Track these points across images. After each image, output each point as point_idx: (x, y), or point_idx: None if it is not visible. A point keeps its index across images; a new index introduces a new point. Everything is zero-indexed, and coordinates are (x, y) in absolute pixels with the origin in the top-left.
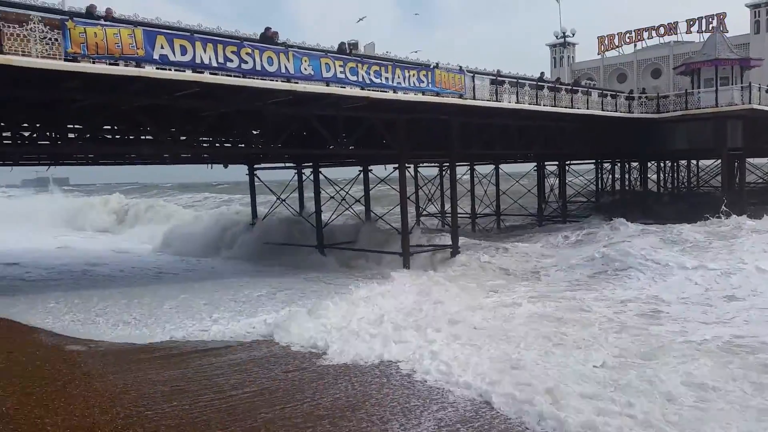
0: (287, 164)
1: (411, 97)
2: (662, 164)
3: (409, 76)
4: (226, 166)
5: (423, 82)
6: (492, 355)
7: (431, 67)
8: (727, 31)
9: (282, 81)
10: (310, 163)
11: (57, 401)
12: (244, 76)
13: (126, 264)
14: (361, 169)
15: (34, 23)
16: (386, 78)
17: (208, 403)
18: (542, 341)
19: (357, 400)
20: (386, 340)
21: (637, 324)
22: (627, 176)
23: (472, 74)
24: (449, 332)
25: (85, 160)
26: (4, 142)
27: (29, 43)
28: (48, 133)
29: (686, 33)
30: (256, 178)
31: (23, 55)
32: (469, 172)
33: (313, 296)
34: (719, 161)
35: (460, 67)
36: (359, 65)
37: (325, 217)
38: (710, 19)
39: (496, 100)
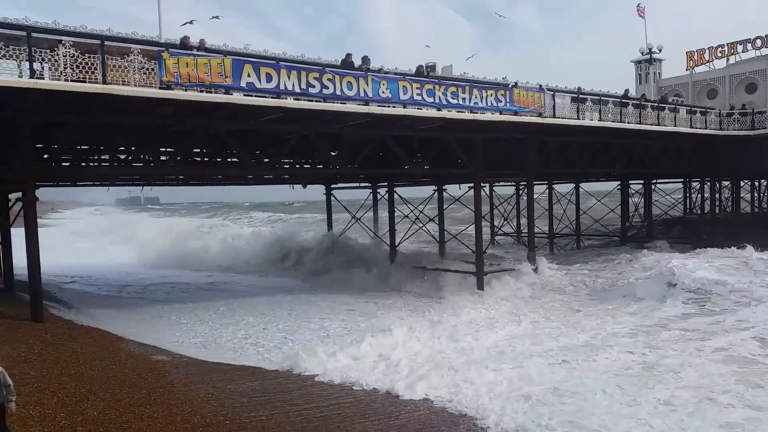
0: (362, 184)
1: (487, 117)
2: (756, 183)
3: (487, 96)
4: (305, 186)
5: (501, 101)
6: None
7: (510, 86)
8: None
9: (360, 104)
10: (386, 183)
11: (143, 408)
12: (324, 101)
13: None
14: (436, 188)
15: (134, 55)
16: (463, 99)
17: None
18: None
19: None
20: None
21: None
22: (718, 195)
23: (552, 92)
24: None
25: (176, 180)
26: (103, 164)
27: (128, 73)
28: (142, 156)
29: None
30: (333, 198)
31: (123, 83)
32: (547, 191)
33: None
34: None
35: (540, 85)
36: (436, 87)
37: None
38: None
39: (578, 118)
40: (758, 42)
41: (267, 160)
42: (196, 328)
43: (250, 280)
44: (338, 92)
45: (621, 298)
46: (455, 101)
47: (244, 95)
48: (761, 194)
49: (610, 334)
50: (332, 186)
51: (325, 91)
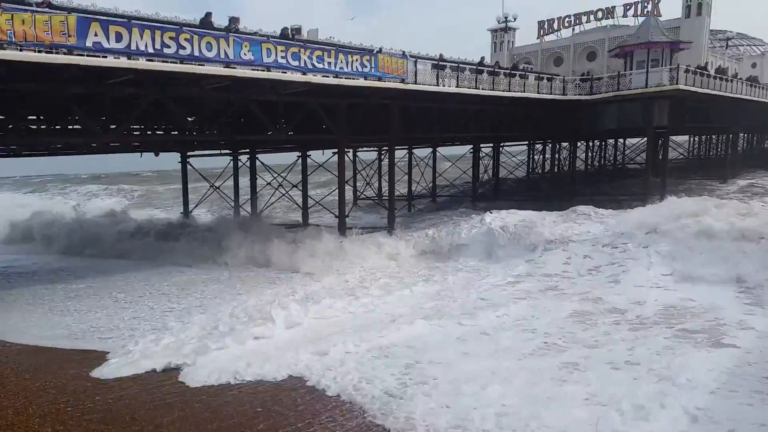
0: (222, 151)
1: (353, 82)
2: (591, 143)
3: (352, 61)
4: (157, 154)
5: (366, 67)
6: None
7: (374, 52)
8: (661, 15)
9: (222, 66)
10: (247, 150)
11: None
12: (182, 62)
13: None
14: (300, 154)
15: None
16: (329, 63)
17: None
18: None
19: None
20: None
21: None
22: (557, 156)
23: (414, 59)
24: None
25: (6, 151)
26: None
27: None
28: None
29: (623, 17)
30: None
31: None
32: (407, 155)
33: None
34: (645, 139)
35: (403, 52)
36: (301, 50)
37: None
38: (645, 3)
39: (437, 85)
40: (599, 14)
41: (114, 126)
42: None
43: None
44: (197, 53)
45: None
46: (321, 66)
47: (89, 55)
48: (594, 153)
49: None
50: (189, 154)
51: (182, 51)
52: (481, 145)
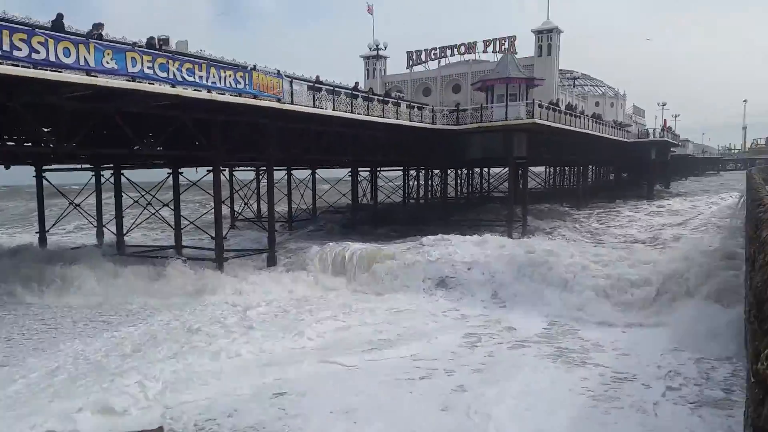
0: (84, 165)
1: (227, 98)
2: (459, 172)
3: (226, 76)
4: (7, 167)
5: (240, 83)
6: None
7: (248, 68)
8: (517, 53)
9: (81, 74)
10: (111, 165)
11: None
12: (35, 67)
13: None
14: (171, 171)
15: None
16: (200, 77)
17: None
18: None
19: None
20: None
21: None
22: (430, 182)
23: (290, 79)
24: None
25: None
26: None
27: None
28: None
29: (483, 52)
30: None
31: None
32: (286, 176)
33: None
34: (507, 169)
35: (278, 71)
36: (170, 62)
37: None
38: (503, 42)
39: (314, 106)
40: (462, 48)
41: None
42: None
43: None
44: (53, 59)
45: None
46: (192, 79)
47: None
48: (462, 181)
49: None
50: (45, 168)
51: (35, 55)
52: (359, 169)
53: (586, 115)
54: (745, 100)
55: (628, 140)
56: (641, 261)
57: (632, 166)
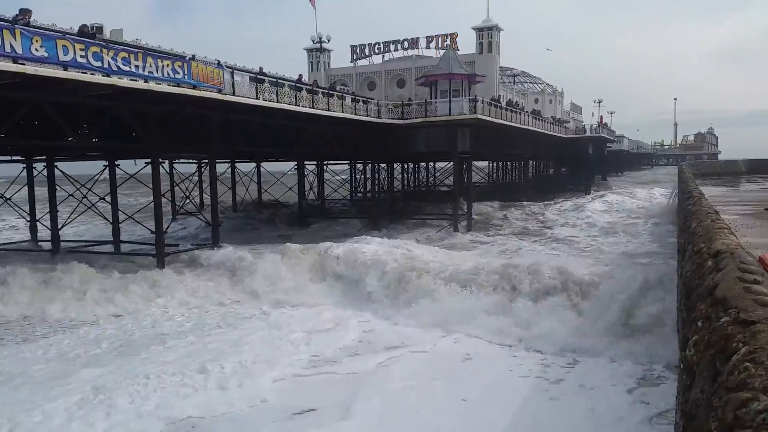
0: (13, 158)
1: (165, 88)
2: (406, 166)
3: (163, 66)
4: None
5: (179, 73)
6: None
7: (187, 58)
8: (459, 49)
9: (9, 62)
10: (44, 157)
11: None
12: None
13: None
14: (107, 164)
15: None
16: (136, 66)
17: None
18: None
19: None
20: None
21: None
22: (377, 176)
23: (231, 69)
24: None
25: None
26: None
27: None
28: None
29: (426, 48)
30: None
31: None
32: (230, 169)
33: None
34: (452, 163)
35: (218, 61)
36: (104, 50)
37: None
38: (445, 38)
39: (257, 98)
40: (405, 43)
41: None
42: None
43: None
44: None
45: None
46: (127, 68)
47: None
48: (409, 175)
49: None
50: None
51: None
52: (306, 162)
53: (526, 112)
54: (675, 99)
55: (566, 136)
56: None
57: (571, 161)
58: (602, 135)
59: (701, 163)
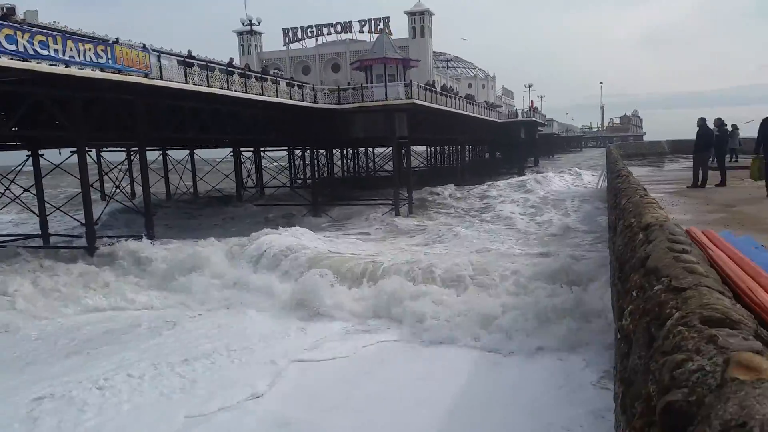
0: None
1: (87, 73)
2: (345, 151)
3: (85, 50)
4: None
5: (102, 57)
6: None
7: (110, 42)
8: (392, 34)
9: None
10: None
11: None
12: None
13: None
14: (29, 153)
15: None
16: (55, 50)
17: None
18: None
19: None
20: None
21: None
22: (316, 162)
23: (158, 53)
24: None
25: None
26: None
27: None
28: None
29: (359, 32)
30: None
31: None
32: (161, 156)
33: None
34: (391, 148)
35: (144, 45)
36: (18, 33)
37: None
38: (378, 22)
39: (186, 82)
40: (339, 27)
41: None
42: None
43: None
44: None
45: None
46: (46, 52)
47: None
48: (348, 161)
49: None
50: None
51: None
52: (242, 149)
53: (461, 96)
54: (601, 82)
55: (499, 120)
56: None
57: (504, 145)
58: (533, 119)
59: (628, 144)
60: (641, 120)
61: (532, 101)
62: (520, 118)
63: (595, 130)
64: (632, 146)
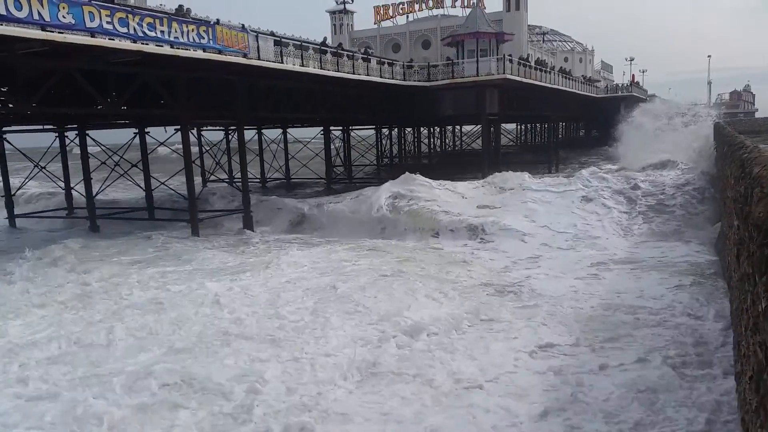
0: (46, 126)
1: (191, 53)
2: (432, 129)
3: (188, 30)
4: None
5: (203, 38)
6: None
7: (212, 23)
8: (485, 8)
9: (38, 29)
10: (75, 125)
11: None
12: None
13: None
14: (137, 131)
15: None
16: (162, 32)
17: None
18: None
19: None
20: None
21: None
22: (403, 141)
23: (255, 34)
24: None
25: None
26: None
27: None
28: None
29: (452, 7)
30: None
31: None
32: (257, 136)
33: None
34: (480, 126)
35: (243, 25)
36: (129, 16)
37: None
38: None
39: (282, 62)
40: (430, 2)
41: None
42: None
43: None
44: (2, 11)
45: None
46: (153, 34)
47: None
48: (435, 139)
49: None
50: (4, 129)
51: None
52: (331, 128)
53: (556, 71)
54: (709, 56)
55: (597, 95)
56: None
57: (601, 122)
58: (633, 94)
59: (738, 121)
60: (753, 96)
61: (633, 75)
62: (619, 93)
63: (702, 106)
64: (745, 123)
